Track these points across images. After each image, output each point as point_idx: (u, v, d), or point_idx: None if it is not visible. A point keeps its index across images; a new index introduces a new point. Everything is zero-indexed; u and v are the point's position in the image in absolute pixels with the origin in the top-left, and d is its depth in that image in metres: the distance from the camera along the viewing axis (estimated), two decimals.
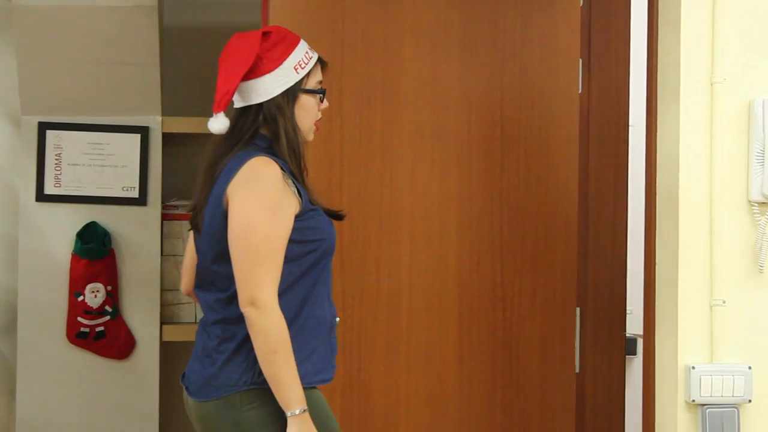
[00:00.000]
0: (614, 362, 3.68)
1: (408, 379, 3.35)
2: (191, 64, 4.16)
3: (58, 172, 4.00)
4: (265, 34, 2.68)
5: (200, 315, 4.06)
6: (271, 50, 2.67)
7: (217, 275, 2.64)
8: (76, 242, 3.96)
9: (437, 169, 3.38)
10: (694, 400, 2.64)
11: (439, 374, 3.37)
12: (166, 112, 4.05)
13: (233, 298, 2.58)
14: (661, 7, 2.75)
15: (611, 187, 3.69)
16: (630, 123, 3.69)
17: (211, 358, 2.63)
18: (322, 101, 2.75)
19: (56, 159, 4.00)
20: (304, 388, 2.58)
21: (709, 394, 2.64)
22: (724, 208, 2.67)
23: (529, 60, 3.44)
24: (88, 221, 3.99)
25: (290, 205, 2.60)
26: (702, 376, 2.64)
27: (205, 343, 2.67)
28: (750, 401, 2.67)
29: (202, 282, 2.71)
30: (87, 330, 3.98)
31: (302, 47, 2.71)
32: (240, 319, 2.56)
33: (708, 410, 2.64)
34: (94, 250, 3.95)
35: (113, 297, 3.99)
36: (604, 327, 3.64)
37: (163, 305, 4.07)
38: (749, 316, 2.68)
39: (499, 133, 3.43)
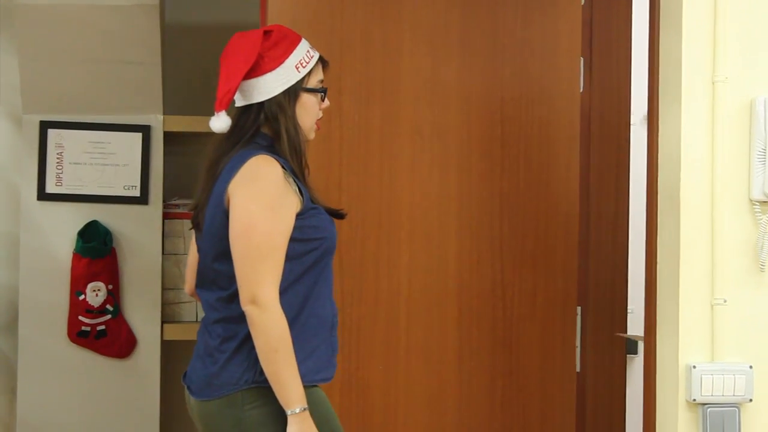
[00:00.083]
0: (615, 361, 3.68)
1: (407, 378, 3.35)
2: (192, 63, 4.16)
3: (60, 171, 4.00)
4: (267, 33, 2.69)
5: (201, 314, 4.07)
6: (272, 49, 2.67)
7: (218, 274, 2.64)
8: (78, 241, 3.96)
9: (437, 169, 3.38)
10: (695, 400, 2.64)
11: (438, 373, 3.37)
12: (167, 110, 4.05)
13: (234, 296, 2.58)
14: (663, 6, 2.75)
15: (612, 185, 3.69)
16: (631, 122, 3.69)
17: (213, 357, 2.63)
18: (323, 100, 2.75)
19: (58, 158, 4.00)
20: (306, 387, 2.58)
21: (710, 394, 2.64)
22: (725, 207, 2.66)
23: (529, 59, 3.44)
24: (90, 220, 3.99)
25: (291, 203, 2.60)
26: (703, 376, 2.63)
27: (206, 342, 2.67)
28: (751, 400, 2.66)
29: (203, 281, 2.71)
30: (88, 329, 3.98)
31: (303, 46, 2.72)
32: (241, 318, 2.56)
33: (709, 409, 2.64)
34: (96, 249, 3.95)
35: (114, 296, 3.99)
36: (605, 326, 3.64)
37: (164, 304, 4.07)
38: (750, 315, 2.67)
39: (500, 133, 3.42)
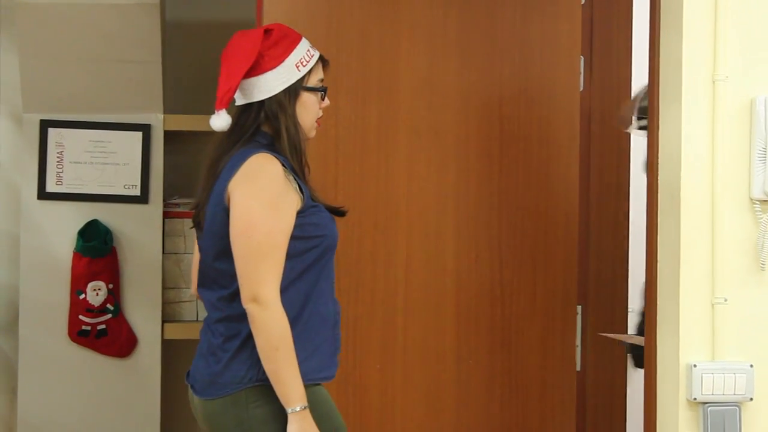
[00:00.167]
0: (615, 360, 3.68)
1: (404, 377, 3.35)
2: (193, 62, 4.16)
3: (60, 170, 4.00)
4: (267, 32, 2.69)
5: (202, 313, 4.08)
6: (272, 48, 2.67)
7: (219, 273, 2.64)
8: (78, 240, 3.96)
9: (434, 167, 3.37)
10: (695, 399, 2.64)
11: (436, 373, 3.37)
12: (167, 109, 4.05)
13: (236, 295, 2.58)
14: (663, 5, 2.75)
15: (613, 184, 3.69)
16: None
17: (216, 356, 2.63)
18: (323, 99, 2.75)
19: (58, 157, 4.00)
20: (308, 385, 2.59)
21: (711, 393, 2.63)
22: (725, 206, 2.66)
23: (528, 57, 3.43)
24: (90, 219, 3.99)
25: (292, 201, 2.60)
26: (704, 375, 2.63)
27: (209, 341, 2.67)
28: (752, 399, 2.66)
29: (204, 280, 2.72)
30: (88, 328, 3.98)
31: (304, 45, 2.72)
32: (244, 317, 2.57)
33: (710, 408, 2.64)
34: (96, 248, 3.95)
35: (115, 295, 3.99)
36: (605, 325, 3.64)
37: (165, 303, 4.07)
38: (751, 314, 2.67)
39: (498, 131, 3.42)
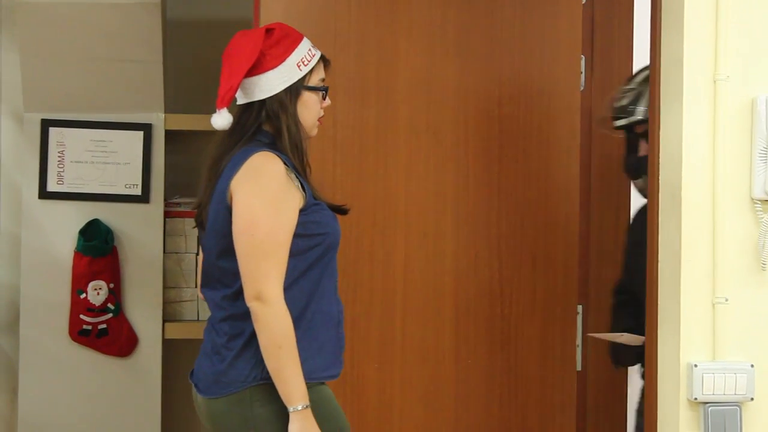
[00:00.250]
0: None
1: (402, 376, 3.35)
2: (194, 61, 4.16)
3: (61, 170, 4.00)
4: (269, 31, 2.70)
5: (202, 313, 4.08)
6: (274, 47, 2.68)
7: (223, 271, 2.65)
8: (79, 240, 3.96)
9: (433, 167, 3.37)
10: (696, 398, 2.64)
11: (434, 372, 3.37)
12: (168, 109, 4.05)
13: (240, 294, 2.59)
14: (664, 4, 2.74)
15: (614, 184, 3.68)
16: None
17: (220, 355, 2.64)
18: (324, 98, 2.75)
19: (59, 156, 4.00)
20: (313, 384, 2.59)
21: (712, 392, 2.63)
22: (726, 206, 2.66)
23: (529, 57, 3.43)
24: (91, 219, 3.99)
25: (294, 199, 2.61)
26: (704, 374, 2.63)
27: (213, 340, 2.67)
28: (752, 399, 2.66)
29: (208, 280, 2.72)
30: (89, 327, 3.98)
31: (305, 44, 2.72)
32: (248, 315, 2.57)
33: (710, 408, 2.64)
34: (97, 248, 3.95)
35: (116, 294, 3.99)
36: (606, 325, 3.64)
37: (166, 303, 4.07)
38: (752, 314, 2.67)
39: (498, 131, 3.42)
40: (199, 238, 3.89)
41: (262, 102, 2.68)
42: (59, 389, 3.98)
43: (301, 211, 2.62)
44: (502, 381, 3.42)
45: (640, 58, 3.46)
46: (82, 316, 3.97)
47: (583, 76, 3.53)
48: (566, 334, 3.46)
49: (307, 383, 2.58)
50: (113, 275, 3.98)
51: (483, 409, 3.40)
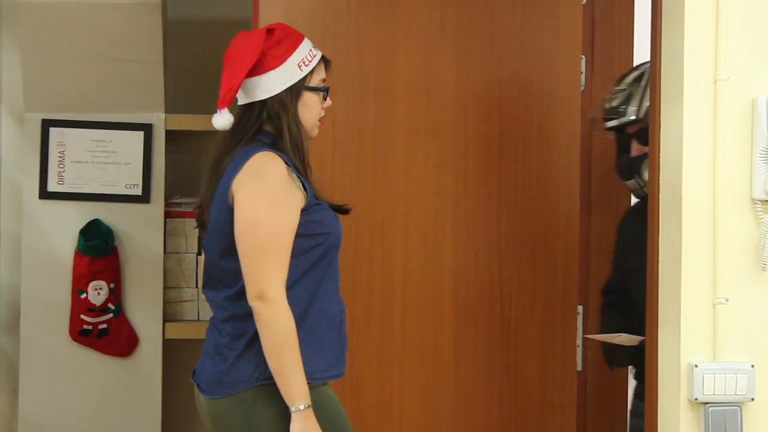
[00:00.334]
0: None
1: (401, 376, 3.35)
2: (195, 61, 4.16)
3: (62, 170, 4.00)
4: (270, 32, 2.70)
5: (203, 313, 4.08)
6: (275, 47, 2.68)
7: (225, 272, 2.65)
8: (79, 240, 3.96)
9: (432, 167, 3.37)
10: (696, 399, 2.63)
11: (433, 372, 3.36)
12: (169, 109, 4.05)
13: (242, 294, 2.59)
14: (665, 4, 2.74)
15: (614, 184, 3.68)
16: None
17: (223, 355, 2.64)
18: (325, 99, 2.76)
19: (59, 156, 4.00)
20: (316, 385, 2.60)
21: (712, 393, 2.63)
22: (727, 206, 2.66)
23: (529, 57, 3.43)
24: (92, 219, 3.99)
25: (296, 199, 2.61)
26: (705, 375, 2.63)
27: (216, 340, 2.67)
28: (753, 399, 2.66)
29: (210, 280, 2.72)
30: (90, 327, 3.98)
31: (306, 45, 2.73)
32: (250, 315, 2.58)
33: (711, 409, 2.64)
34: (97, 248, 3.95)
35: (116, 294, 3.99)
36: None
37: (166, 303, 4.07)
38: (752, 314, 2.67)
39: (497, 131, 3.42)
40: (200, 239, 3.90)
41: (263, 102, 2.68)
42: (60, 389, 3.98)
43: (303, 210, 2.62)
44: (502, 381, 3.42)
45: (641, 58, 3.46)
46: (82, 316, 3.97)
47: (583, 76, 3.53)
48: (566, 334, 3.46)
49: (309, 384, 2.58)
50: (114, 275, 3.98)
51: (483, 409, 3.40)
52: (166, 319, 4.07)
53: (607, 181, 3.71)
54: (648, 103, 3.12)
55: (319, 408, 2.59)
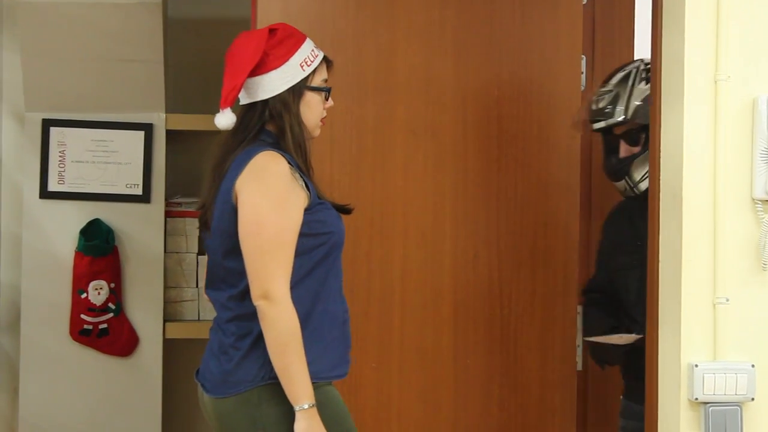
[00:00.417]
0: None
1: (400, 376, 3.35)
2: (195, 61, 4.16)
3: (62, 169, 4.00)
4: (272, 31, 2.70)
5: (203, 312, 4.08)
6: (277, 47, 2.68)
7: (228, 271, 2.65)
8: (80, 239, 3.96)
9: (431, 167, 3.37)
10: (696, 399, 2.63)
11: (432, 372, 3.36)
12: (169, 109, 4.05)
13: (246, 293, 2.59)
14: (665, 4, 2.74)
15: (614, 184, 3.67)
16: None
17: (228, 354, 2.64)
18: (327, 99, 2.76)
19: (60, 156, 4.00)
20: (320, 385, 2.60)
21: (712, 393, 2.63)
22: (727, 206, 2.66)
23: (528, 57, 3.43)
24: (92, 218, 3.99)
25: (299, 198, 2.62)
26: (705, 375, 2.63)
27: (220, 340, 2.67)
28: (753, 399, 2.66)
29: (213, 281, 2.72)
30: (90, 327, 3.98)
31: (308, 45, 2.73)
32: (255, 315, 2.58)
33: (711, 408, 2.64)
34: (98, 248, 3.95)
35: (116, 294, 3.99)
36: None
37: (166, 302, 4.07)
38: (753, 314, 2.67)
39: (496, 131, 3.42)
40: (200, 238, 3.90)
41: (265, 102, 2.68)
42: (60, 389, 3.98)
43: (306, 210, 2.63)
44: (502, 381, 3.42)
45: (645, 57, 3.46)
46: (82, 316, 3.97)
47: (583, 76, 3.53)
48: (566, 334, 3.46)
49: (314, 383, 2.58)
50: (114, 275, 3.98)
51: (482, 409, 3.40)
52: (167, 318, 4.07)
53: (607, 181, 3.70)
54: (636, 103, 3.12)
55: (324, 408, 2.59)
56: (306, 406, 2.54)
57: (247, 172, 2.59)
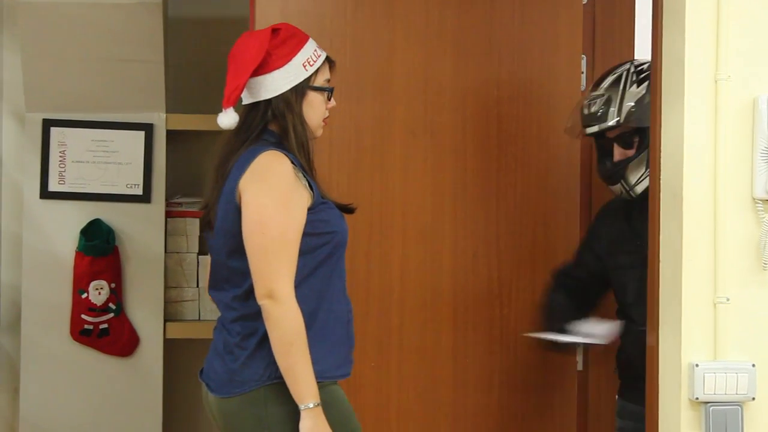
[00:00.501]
0: None
1: (399, 376, 3.35)
2: (196, 61, 4.16)
3: (63, 170, 4.00)
4: (275, 31, 2.71)
5: (204, 313, 4.09)
6: (280, 47, 2.69)
7: (232, 271, 2.65)
8: (80, 239, 3.96)
9: (430, 167, 3.37)
10: (697, 398, 2.63)
11: (432, 371, 3.36)
12: (170, 109, 4.05)
13: (250, 293, 2.60)
14: (666, 4, 2.74)
15: None
16: None
17: (233, 354, 2.64)
18: (329, 99, 2.76)
19: (60, 156, 4.00)
20: (326, 384, 2.60)
21: (713, 392, 2.63)
22: (728, 206, 2.66)
23: (528, 57, 3.43)
24: (92, 218, 4.00)
25: (302, 198, 2.62)
26: (705, 374, 2.63)
27: (225, 339, 2.68)
28: (754, 399, 2.66)
29: (216, 281, 2.73)
30: (91, 327, 3.98)
31: (311, 45, 2.74)
32: (259, 315, 2.59)
33: (711, 408, 2.64)
34: (98, 248, 3.95)
35: (117, 294, 3.99)
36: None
37: (167, 302, 4.08)
38: (753, 313, 2.67)
39: (496, 131, 3.42)
40: (201, 238, 3.91)
41: (268, 101, 2.69)
42: (60, 389, 3.99)
43: (309, 209, 2.63)
44: (501, 381, 3.42)
45: (642, 57, 3.46)
46: (83, 316, 3.97)
47: (584, 76, 3.53)
48: None
49: (319, 383, 2.59)
50: (114, 275, 3.98)
51: (482, 409, 3.40)
52: (167, 318, 4.08)
53: None
54: (629, 105, 3.11)
55: (330, 407, 2.59)
56: (311, 405, 2.55)
57: (250, 172, 2.60)
